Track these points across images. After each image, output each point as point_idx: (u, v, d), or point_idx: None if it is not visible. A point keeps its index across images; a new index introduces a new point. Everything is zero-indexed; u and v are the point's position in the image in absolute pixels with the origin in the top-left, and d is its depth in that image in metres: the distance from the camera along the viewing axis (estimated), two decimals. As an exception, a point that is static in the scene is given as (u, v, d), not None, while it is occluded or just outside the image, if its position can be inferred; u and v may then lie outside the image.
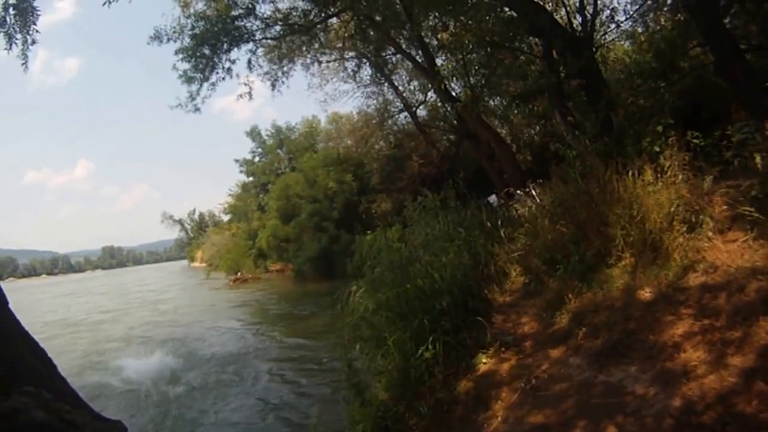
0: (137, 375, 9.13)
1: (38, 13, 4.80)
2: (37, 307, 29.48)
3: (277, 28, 11.43)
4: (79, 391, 3.49)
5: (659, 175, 3.76)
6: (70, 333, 16.31)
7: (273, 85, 12.74)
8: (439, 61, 12.76)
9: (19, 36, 4.82)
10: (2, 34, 4.76)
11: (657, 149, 3.99)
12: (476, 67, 11.61)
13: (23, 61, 4.98)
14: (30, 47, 4.92)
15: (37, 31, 4.90)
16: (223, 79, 11.05)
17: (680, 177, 3.69)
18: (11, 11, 4.72)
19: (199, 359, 10.32)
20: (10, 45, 4.79)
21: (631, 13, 9.13)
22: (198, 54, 10.51)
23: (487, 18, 8.02)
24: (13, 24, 4.76)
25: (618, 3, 9.19)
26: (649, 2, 8.53)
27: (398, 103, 18.13)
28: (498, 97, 13.81)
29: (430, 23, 10.90)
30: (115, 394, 8.33)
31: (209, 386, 8.32)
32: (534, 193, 5.40)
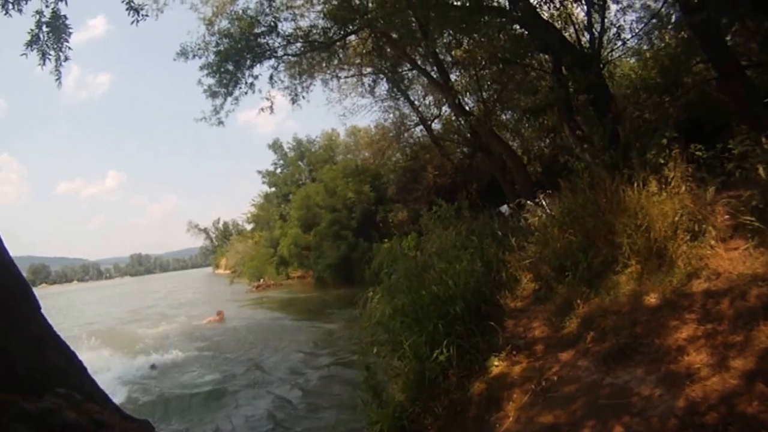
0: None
1: (71, 30, 4.91)
2: (125, 301, 34.26)
3: (298, 45, 11.75)
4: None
5: (664, 186, 3.81)
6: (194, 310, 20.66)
7: (293, 100, 13.01)
8: (453, 77, 12.94)
9: (52, 53, 4.94)
10: (36, 50, 4.87)
11: (661, 161, 4.02)
12: (489, 83, 11.77)
13: (57, 77, 5.12)
14: (63, 63, 5.03)
15: (69, 48, 5.01)
16: (246, 93, 11.41)
17: (684, 188, 3.74)
18: (45, 29, 4.82)
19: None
20: (44, 61, 4.93)
21: (637, 31, 9.18)
22: (222, 70, 10.90)
23: (499, 35, 8.17)
24: (47, 41, 4.87)
25: (624, 21, 9.28)
26: (654, 21, 8.60)
27: (414, 117, 18.37)
28: (510, 111, 13.99)
29: (445, 40, 11.04)
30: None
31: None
32: (544, 203, 5.43)
